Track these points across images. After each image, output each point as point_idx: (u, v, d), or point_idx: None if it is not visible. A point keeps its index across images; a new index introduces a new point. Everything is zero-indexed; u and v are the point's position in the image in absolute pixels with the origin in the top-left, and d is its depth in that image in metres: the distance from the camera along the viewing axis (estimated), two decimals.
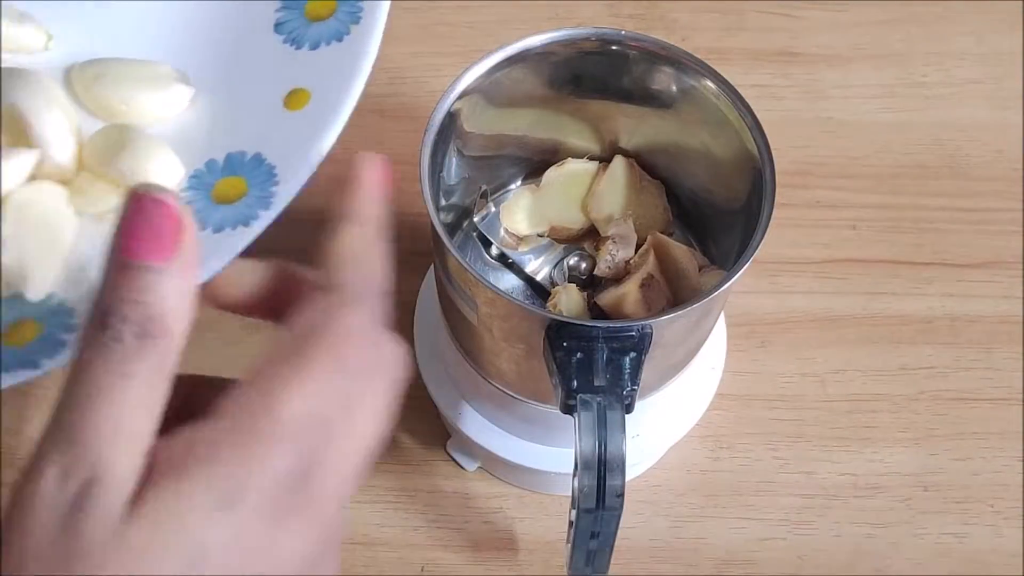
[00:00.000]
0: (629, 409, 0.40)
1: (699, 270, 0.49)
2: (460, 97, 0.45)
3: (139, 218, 0.26)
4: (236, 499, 0.25)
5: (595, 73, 0.48)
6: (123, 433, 0.26)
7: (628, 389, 0.40)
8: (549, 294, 0.50)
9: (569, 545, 0.43)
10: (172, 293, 0.27)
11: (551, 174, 0.52)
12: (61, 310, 0.32)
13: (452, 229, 0.52)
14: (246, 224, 0.32)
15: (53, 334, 0.31)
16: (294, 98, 0.34)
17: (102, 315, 0.26)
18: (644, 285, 0.47)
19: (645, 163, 0.52)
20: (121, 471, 0.25)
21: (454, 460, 0.55)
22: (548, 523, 0.54)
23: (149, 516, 0.25)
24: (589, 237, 0.52)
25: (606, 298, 0.48)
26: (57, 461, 0.25)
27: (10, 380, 0.30)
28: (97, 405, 0.25)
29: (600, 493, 0.40)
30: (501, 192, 0.54)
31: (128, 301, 0.26)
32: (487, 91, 0.46)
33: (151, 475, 0.26)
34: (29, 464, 0.25)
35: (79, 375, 0.26)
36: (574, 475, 0.40)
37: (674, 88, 0.48)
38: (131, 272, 0.26)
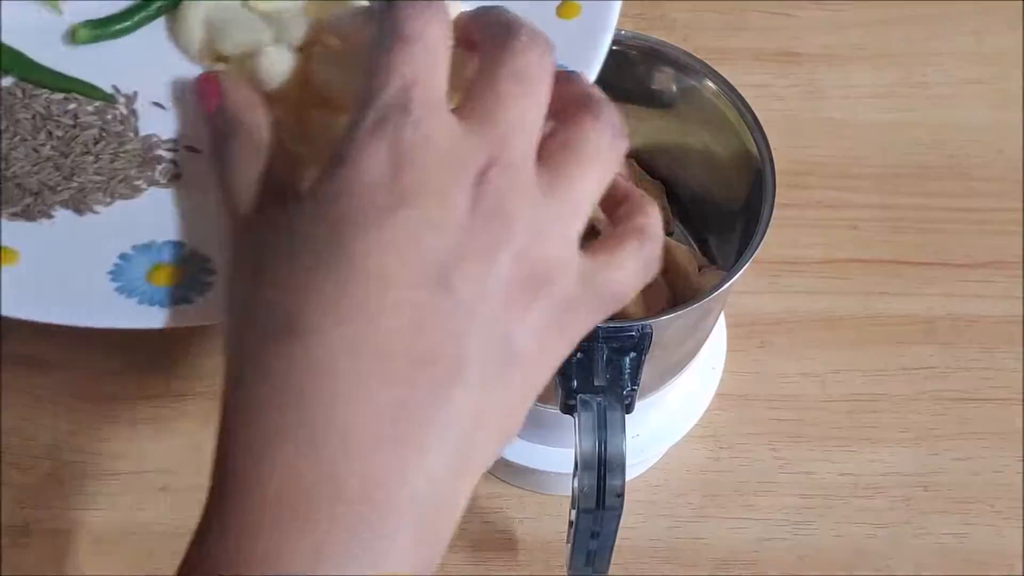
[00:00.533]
0: (629, 409, 0.40)
1: (699, 270, 0.49)
2: None
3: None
4: None
5: None
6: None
7: (628, 389, 0.40)
8: None
9: (569, 545, 0.43)
10: None
11: None
12: (196, 255, 0.35)
13: None
14: None
15: (195, 276, 0.35)
16: (565, 9, 0.38)
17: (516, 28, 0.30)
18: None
19: (645, 163, 0.52)
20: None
21: None
22: (548, 523, 0.54)
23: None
24: (589, 237, 0.52)
25: None
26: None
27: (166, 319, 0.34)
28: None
29: (600, 493, 0.40)
30: None
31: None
32: None
33: None
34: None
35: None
36: (574, 475, 0.40)
37: (674, 88, 0.48)
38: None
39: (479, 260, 0.28)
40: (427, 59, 0.29)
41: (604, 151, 0.30)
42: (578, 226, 0.30)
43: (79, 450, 0.54)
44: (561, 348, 0.30)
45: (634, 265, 0.31)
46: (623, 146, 0.30)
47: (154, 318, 0.34)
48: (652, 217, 0.32)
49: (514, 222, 0.28)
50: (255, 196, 0.31)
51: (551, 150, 0.29)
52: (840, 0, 0.71)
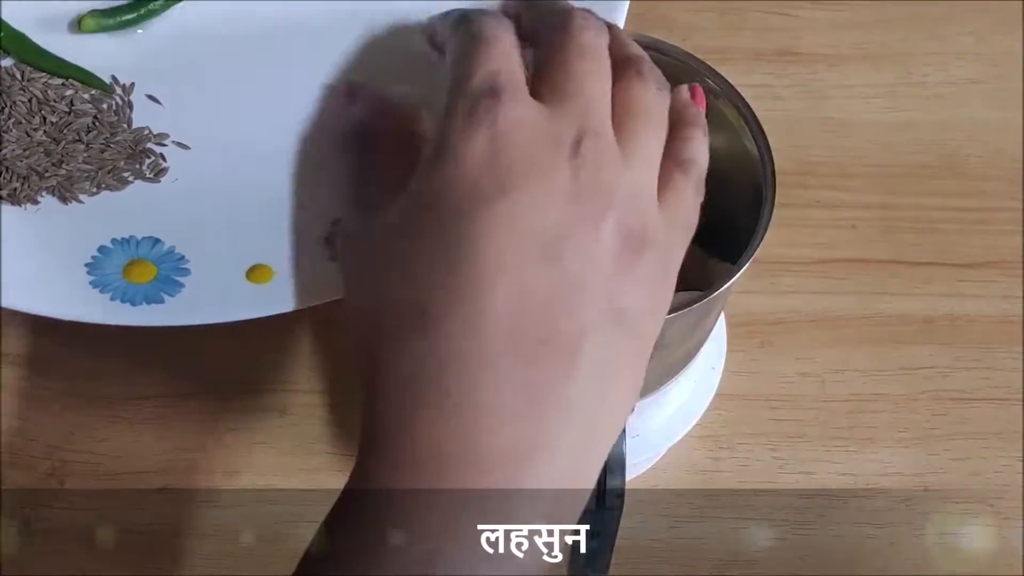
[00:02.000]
0: None
1: (701, 265, 0.49)
2: None
3: None
4: None
5: None
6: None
7: None
8: None
9: (569, 546, 0.43)
10: None
11: None
12: (173, 253, 0.36)
13: None
14: None
15: (168, 276, 0.35)
16: None
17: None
18: None
19: None
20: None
21: None
22: None
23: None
24: None
25: None
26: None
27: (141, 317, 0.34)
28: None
29: (600, 493, 0.40)
30: None
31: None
32: None
33: None
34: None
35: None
36: None
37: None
38: None
39: (585, 231, 0.29)
40: (506, 54, 0.31)
41: (654, 106, 0.32)
42: (655, 182, 0.32)
43: (79, 450, 0.54)
44: (667, 293, 0.32)
45: (690, 193, 0.33)
46: (667, 97, 0.33)
47: (123, 315, 0.34)
48: (685, 140, 0.33)
49: (612, 189, 0.30)
50: (376, 194, 0.32)
51: (613, 115, 0.31)
52: (840, 0, 0.71)
